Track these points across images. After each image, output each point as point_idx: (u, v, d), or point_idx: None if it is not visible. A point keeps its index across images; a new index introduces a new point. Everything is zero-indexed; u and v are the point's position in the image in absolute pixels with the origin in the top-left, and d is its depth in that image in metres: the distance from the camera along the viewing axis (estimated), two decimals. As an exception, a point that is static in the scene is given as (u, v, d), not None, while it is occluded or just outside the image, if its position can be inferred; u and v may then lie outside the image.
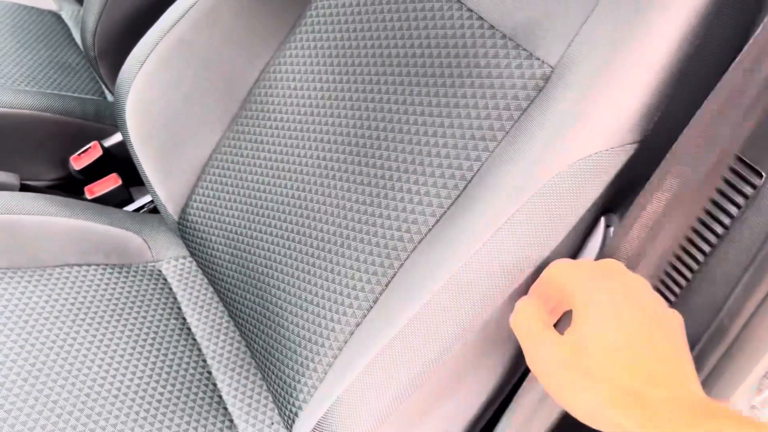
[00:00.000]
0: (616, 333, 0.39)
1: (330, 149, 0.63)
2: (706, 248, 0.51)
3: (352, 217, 0.59)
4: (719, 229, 0.52)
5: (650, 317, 0.41)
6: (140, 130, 0.72)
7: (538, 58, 0.52)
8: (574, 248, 0.50)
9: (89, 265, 0.75)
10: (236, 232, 0.70)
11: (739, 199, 0.51)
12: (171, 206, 0.75)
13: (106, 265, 0.76)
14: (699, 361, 0.48)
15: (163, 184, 0.74)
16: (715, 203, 0.51)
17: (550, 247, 0.47)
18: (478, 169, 0.53)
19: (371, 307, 0.55)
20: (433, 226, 0.54)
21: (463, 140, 0.55)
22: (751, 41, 0.44)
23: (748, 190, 0.50)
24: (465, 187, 0.53)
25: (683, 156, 0.47)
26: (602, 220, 0.49)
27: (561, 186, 0.45)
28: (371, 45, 0.63)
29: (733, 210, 0.51)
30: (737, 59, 0.44)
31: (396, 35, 0.61)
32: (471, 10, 0.57)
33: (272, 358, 0.63)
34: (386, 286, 0.55)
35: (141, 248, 0.79)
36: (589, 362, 0.39)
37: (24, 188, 0.84)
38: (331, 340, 0.57)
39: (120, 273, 0.76)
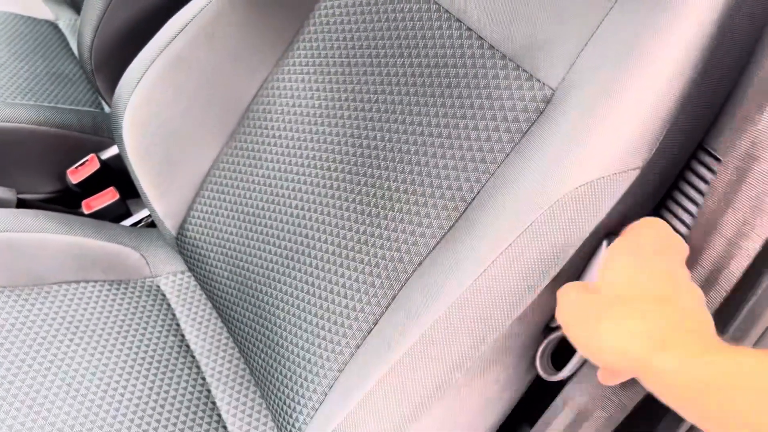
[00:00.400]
0: (634, 268, 0.42)
1: (329, 167, 0.63)
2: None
3: (351, 237, 0.59)
4: (688, 219, 0.51)
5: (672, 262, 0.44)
6: (137, 147, 0.72)
7: (538, 80, 0.51)
8: (576, 272, 0.49)
9: (87, 281, 0.75)
10: (235, 249, 0.69)
11: (703, 186, 0.50)
12: (169, 222, 0.75)
13: (104, 281, 0.76)
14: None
15: (161, 199, 0.74)
16: (683, 193, 0.51)
17: (552, 275, 0.46)
18: (479, 191, 0.52)
19: (371, 330, 0.55)
20: (433, 248, 0.54)
21: (463, 161, 0.54)
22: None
23: (709, 176, 0.50)
24: (465, 210, 0.53)
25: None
26: (604, 243, 0.48)
27: (562, 213, 0.45)
28: (370, 63, 0.63)
29: (698, 198, 0.51)
30: None
31: (395, 53, 0.61)
32: (471, 30, 0.57)
33: (271, 377, 0.63)
34: (386, 308, 0.55)
35: (139, 264, 0.78)
36: (608, 294, 0.42)
37: (21, 202, 0.84)
38: (330, 362, 0.57)
39: (118, 289, 0.76)
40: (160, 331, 0.73)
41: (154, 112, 0.71)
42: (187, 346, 0.73)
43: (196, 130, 0.73)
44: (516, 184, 0.48)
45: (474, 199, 0.53)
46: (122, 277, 0.77)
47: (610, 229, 0.48)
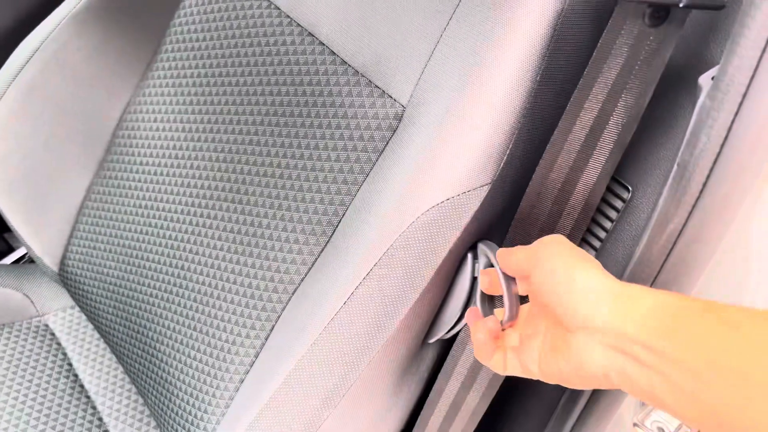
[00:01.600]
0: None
1: (197, 194, 0.60)
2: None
3: (225, 268, 0.56)
4: (596, 243, 0.52)
5: None
6: (1, 185, 0.67)
7: (390, 96, 0.50)
8: (443, 288, 0.48)
9: (-34, 329, 0.70)
10: (116, 284, 0.66)
11: (612, 213, 0.50)
12: (48, 259, 0.71)
13: (-14, 326, 0.71)
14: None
15: (36, 237, 0.70)
16: (592, 218, 0.50)
17: (413, 298, 0.45)
18: (344, 215, 0.51)
19: (253, 363, 0.53)
20: (305, 276, 0.52)
21: (326, 183, 0.52)
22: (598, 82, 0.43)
23: (618, 203, 0.50)
24: (332, 235, 0.51)
25: (547, 185, 0.46)
26: (469, 256, 0.47)
27: (415, 237, 0.44)
28: (228, 82, 0.60)
29: (606, 224, 0.51)
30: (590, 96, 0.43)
31: (252, 71, 0.58)
32: (323, 44, 0.54)
33: (164, 414, 0.60)
34: (265, 340, 0.53)
35: (23, 304, 0.74)
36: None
37: None
38: (217, 398, 0.55)
39: (2, 333, 0.71)
40: (50, 374, 0.69)
41: (13, 148, 0.67)
42: (81, 386, 0.69)
43: (61, 162, 0.69)
44: (372, 209, 0.47)
45: (339, 222, 0.51)
46: (6, 320, 0.73)
47: (473, 242, 0.47)
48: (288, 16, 0.57)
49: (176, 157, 0.62)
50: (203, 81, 0.62)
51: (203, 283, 0.58)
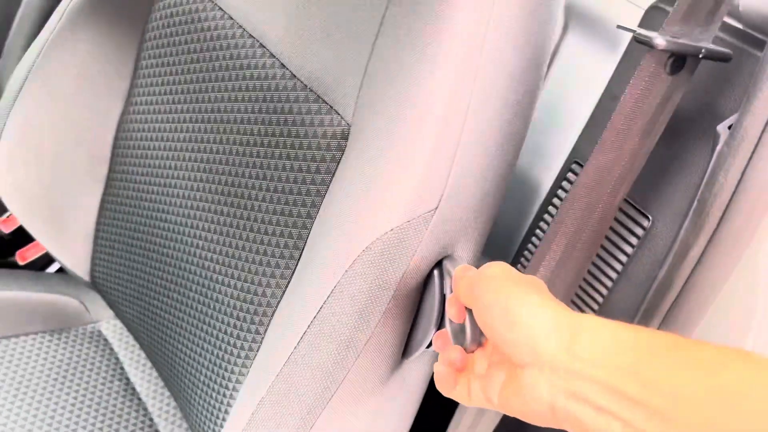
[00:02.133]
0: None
1: (185, 208, 0.61)
2: (605, 287, 0.56)
3: (217, 280, 0.57)
4: (618, 266, 0.57)
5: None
6: (22, 210, 0.72)
7: (338, 113, 0.47)
8: (412, 310, 0.48)
9: (27, 334, 0.76)
10: (135, 291, 0.70)
11: (633, 240, 0.55)
12: (79, 270, 0.76)
13: (45, 332, 0.77)
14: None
15: (65, 251, 0.75)
16: (612, 242, 0.55)
17: (365, 338, 0.45)
18: (307, 238, 0.49)
19: (249, 369, 0.54)
20: (279, 301, 0.52)
21: (287, 206, 0.51)
22: (622, 102, 0.48)
23: (638, 230, 0.55)
24: (300, 258, 0.50)
25: (574, 205, 0.51)
26: (435, 274, 0.47)
27: (365, 270, 0.43)
28: (198, 99, 0.60)
29: (627, 249, 0.56)
30: (610, 123, 0.48)
31: (215, 87, 0.58)
32: (274, 56, 0.51)
33: (197, 418, 0.64)
34: (258, 350, 0.54)
35: (78, 311, 0.80)
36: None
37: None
38: (219, 400, 0.58)
39: (60, 339, 0.77)
40: (105, 377, 0.75)
41: (24, 176, 0.72)
42: (133, 389, 0.75)
43: (71, 181, 0.73)
44: (328, 234, 0.46)
45: (304, 247, 0.50)
46: (62, 326, 0.78)
47: (437, 260, 0.47)
48: (241, 26, 0.55)
49: (165, 176, 0.64)
50: (178, 98, 0.63)
51: (201, 294, 0.60)
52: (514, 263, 0.65)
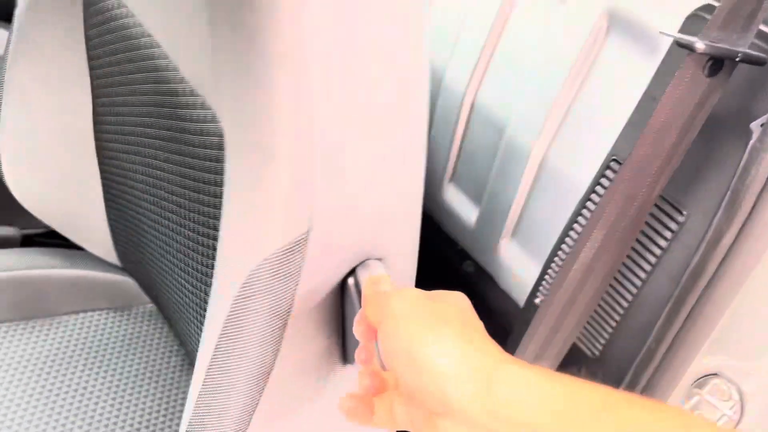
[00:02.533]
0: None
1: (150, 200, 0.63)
2: (639, 278, 0.59)
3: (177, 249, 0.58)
4: (652, 259, 0.60)
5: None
6: (39, 210, 0.78)
7: (218, 121, 0.43)
8: (337, 320, 0.48)
9: (94, 310, 0.82)
10: (146, 273, 0.74)
11: (667, 233, 0.59)
12: (112, 258, 0.82)
13: (109, 309, 0.83)
14: (634, 378, 0.56)
15: (89, 243, 0.81)
16: (648, 236, 0.59)
17: (272, 360, 0.43)
18: (214, 259, 0.47)
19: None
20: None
21: (194, 224, 0.49)
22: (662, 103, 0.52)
23: (673, 225, 0.59)
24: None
25: (614, 196, 0.55)
26: (350, 282, 0.45)
27: (253, 299, 0.40)
28: (123, 102, 0.61)
29: (661, 242, 0.60)
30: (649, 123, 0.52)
31: (133, 90, 0.57)
32: (168, 58, 0.47)
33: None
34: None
35: (137, 291, 0.85)
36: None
37: (25, 238, 0.90)
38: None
39: (122, 316, 0.83)
40: (164, 353, 0.80)
41: (29, 183, 0.77)
42: (190, 363, 0.80)
43: (71, 181, 0.78)
44: (220, 254, 0.44)
45: (213, 268, 0.47)
46: (125, 304, 0.84)
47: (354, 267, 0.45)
48: (141, 25, 0.52)
49: (130, 170, 0.66)
50: (113, 101, 0.64)
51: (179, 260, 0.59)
52: (551, 258, 0.69)
